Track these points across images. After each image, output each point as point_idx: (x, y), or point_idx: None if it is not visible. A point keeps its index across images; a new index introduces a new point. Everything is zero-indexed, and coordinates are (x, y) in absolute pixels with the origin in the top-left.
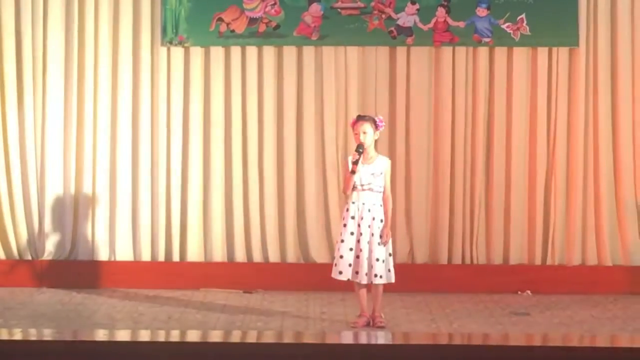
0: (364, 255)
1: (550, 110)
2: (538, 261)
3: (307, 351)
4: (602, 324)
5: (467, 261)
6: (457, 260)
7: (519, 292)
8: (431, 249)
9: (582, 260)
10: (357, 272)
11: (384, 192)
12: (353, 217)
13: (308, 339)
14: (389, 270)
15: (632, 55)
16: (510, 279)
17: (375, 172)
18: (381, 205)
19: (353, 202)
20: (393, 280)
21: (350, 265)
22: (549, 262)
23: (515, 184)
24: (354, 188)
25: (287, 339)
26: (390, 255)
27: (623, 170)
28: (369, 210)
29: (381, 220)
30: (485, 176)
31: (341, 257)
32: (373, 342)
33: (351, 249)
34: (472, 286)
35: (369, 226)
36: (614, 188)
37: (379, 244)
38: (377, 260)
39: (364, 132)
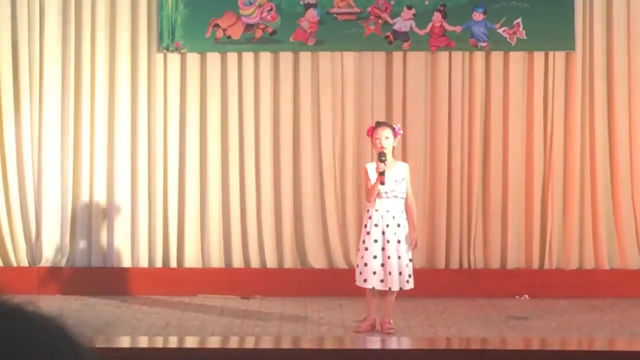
0: (393, 262)
1: (546, 114)
2: (535, 265)
3: (305, 356)
4: (600, 328)
5: (465, 265)
6: (454, 264)
7: (517, 297)
8: (428, 254)
9: (579, 264)
10: (381, 280)
11: (406, 198)
12: (377, 225)
13: (306, 343)
14: (410, 276)
15: (628, 59)
16: (507, 283)
17: (397, 178)
18: (403, 212)
19: (376, 210)
20: (413, 286)
21: (374, 273)
22: (546, 266)
23: (512, 188)
24: (378, 195)
25: (285, 344)
26: (410, 261)
27: (620, 174)
28: (394, 217)
29: (405, 227)
30: (482, 181)
31: (365, 265)
32: (371, 347)
33: (375, 257)
34: (470, 291)
35: (395, 233)
36: (610, 191)
37: (407, 250)
38: (407, 266)
39: (386, 137)
